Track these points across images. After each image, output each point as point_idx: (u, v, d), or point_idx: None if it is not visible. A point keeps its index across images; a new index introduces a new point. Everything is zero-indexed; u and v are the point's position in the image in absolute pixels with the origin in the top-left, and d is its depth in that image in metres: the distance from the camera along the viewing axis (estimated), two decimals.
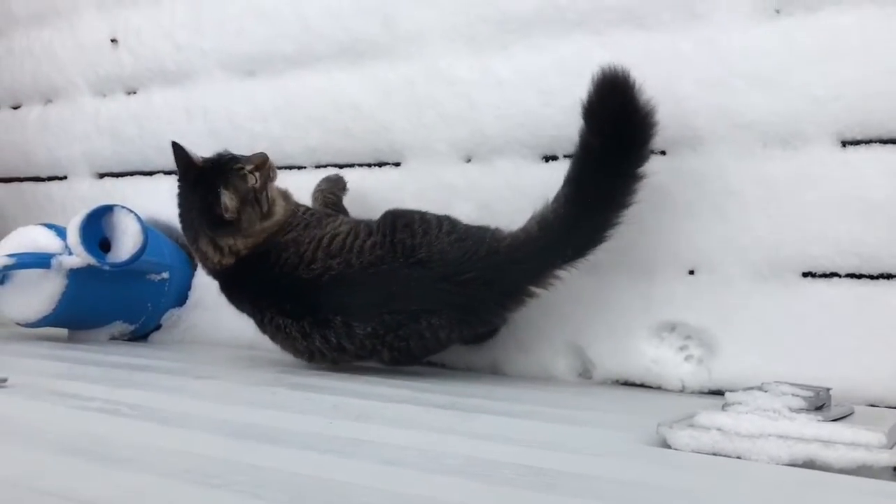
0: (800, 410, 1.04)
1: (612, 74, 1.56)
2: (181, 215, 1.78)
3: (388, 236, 1.64)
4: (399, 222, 1.67)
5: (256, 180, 1.70)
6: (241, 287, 1.73)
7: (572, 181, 1.60)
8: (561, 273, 1.62)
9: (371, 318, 1.60)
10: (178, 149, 1.75)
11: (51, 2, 2.69)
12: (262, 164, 1.72)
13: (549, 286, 1.64)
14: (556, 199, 1.60)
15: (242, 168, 1.70)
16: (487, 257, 1.59)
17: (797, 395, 1.06)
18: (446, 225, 1.67)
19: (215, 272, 1.75)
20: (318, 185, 1.98)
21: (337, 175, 2.02)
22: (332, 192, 1.97)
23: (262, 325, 1.69)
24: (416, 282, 1.59)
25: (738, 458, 0.98)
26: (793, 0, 1.61)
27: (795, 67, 1.59)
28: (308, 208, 1.83)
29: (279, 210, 1.74)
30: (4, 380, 1.31)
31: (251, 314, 1.71)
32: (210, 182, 1.69)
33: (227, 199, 1.65)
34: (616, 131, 1.56)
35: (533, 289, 1.63)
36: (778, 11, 1.62)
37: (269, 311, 1.66)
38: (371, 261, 1.61)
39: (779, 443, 0.97)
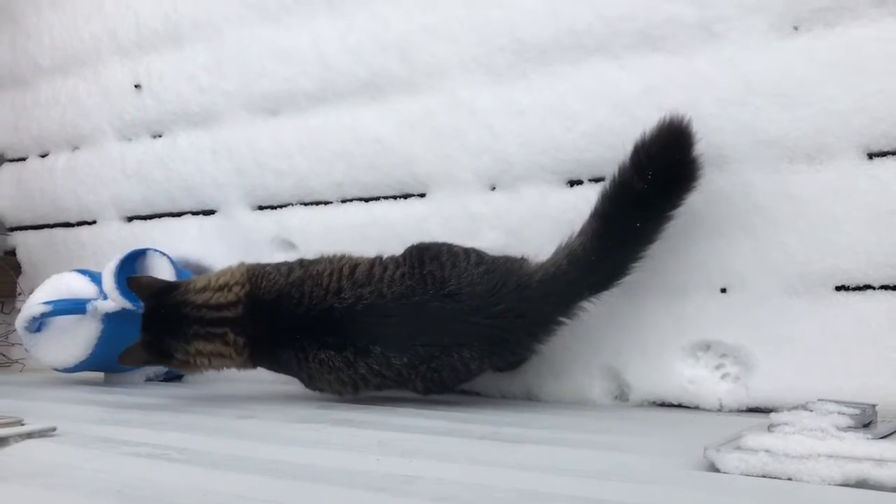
0: (847, 429, 1.04)
1: (676, 125, 1.58)
2: None
3: (416, 268, 1.66)
4: (427, 255, 1.69)
5: None
6: (272, 337, 1.71)
7: (603, 216, 1.62)
8: (587, 304, 1.65)
9: (406, 350, 1.62)
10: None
11: (74, 51, 2.75)
12: None
13: (576, 316, 1.67)
14: (583, 232, 1.63)
15: None
16: (518, 290, 1.61)
17: (843, 413, 1.07)
18: (474, 257, 1.68)
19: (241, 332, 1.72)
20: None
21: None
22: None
23: (307, 363, 1.68)
24: (447, 315, 1.61)
25: (789, 479, 0.98)
26: (811, 16, 1.62)
27: (817, 82, 1.61)
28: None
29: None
30: (53, 429, 1.33)
31: (291, 358, 1.70)
32: None
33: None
34: (665, 181, 1.59)
35: (562, 319, 1.66)
36: (796, 28, 1.64)
37: (311, 348, 1.67)
38: (402, 292, 1.63)
39: (829, 463, 0.97)
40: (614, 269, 1.63)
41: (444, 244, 1.73)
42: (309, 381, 1.73)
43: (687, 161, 1.59)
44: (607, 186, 1.62)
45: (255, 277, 1.74)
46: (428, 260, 1.67)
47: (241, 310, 1.71)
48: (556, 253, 1.66)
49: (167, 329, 1.73)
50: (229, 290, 1.73)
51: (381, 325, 1.63)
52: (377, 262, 1.72)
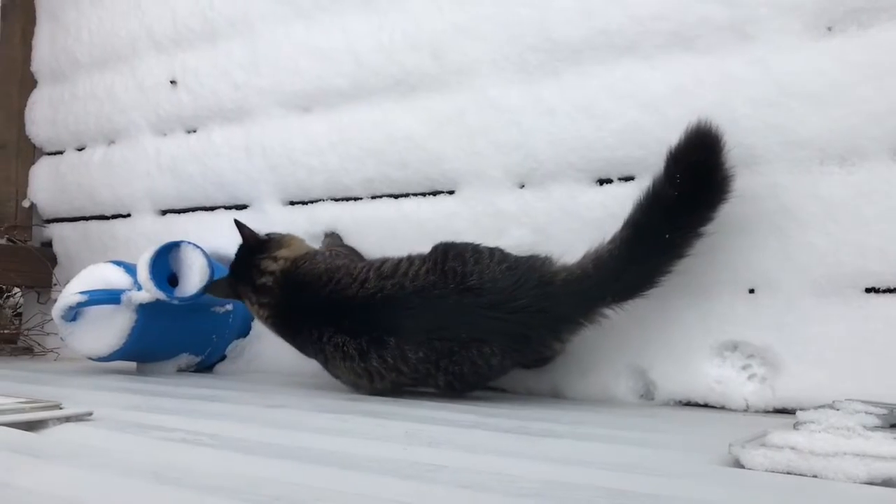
0: (874, 428, 1.04)
1: (705, 132, 1.58)
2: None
3: (439, 264, 1.69)
4: (451, 252, 1.71)
5: None
6: (294, 312, 1.82)
7: (635, 225, 1.62)
8: (609, 311, 1.66)
9: (422, 343, 1.65)
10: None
11: (112, 47, 2.81)
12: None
13: (597, 321, 1.67)
14: (614, 240, 1.64)
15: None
16: (539, 287, 1.63)
17: (870, 413, 1.07)
18: (498, 255, 1.70)
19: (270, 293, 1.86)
20: (325, 241, 2.18)
21: (333, 231, 2.21)
22: (338, 244, 2.13)
23: (321, 345, 1.74)
24: (466, 309, 1.63)
25: (814, 476, 0.99)
26: (845, 17, 1.62)
27: (850, 83, 1.60)
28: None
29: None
30: (90, 413, 1.37)
31: (307, 338, 1.78)
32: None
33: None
34: (695, 190, 1.58)
35: (583, 322, 1.66)
36: (830, 29, 1.63)
37: (328, 331, 1.72)
38: (423, 285, 1.66)
39: (855, 461, 0.98)
40: (640, 280, 1.63)
41: (469, 243, 1.75)
42: (326, 365, 1.79)
43: (715, 164, 1.58)
44: (640, 196, 1.62)
45: (300, 259, 1.87)
46: (451, 256, 1.69)
47: (272, 282, 1.85)
48: (585, 257, 1.67)
49: (242, 275, 1.92)
50: (277, 262, 1.88)
51: (399, 317, 1.66)
52: (406, 258, 1.75)
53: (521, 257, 1.71)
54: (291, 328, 1.85)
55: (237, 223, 1.98)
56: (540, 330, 1.64)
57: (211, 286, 2.04)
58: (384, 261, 1.77)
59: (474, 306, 1.62)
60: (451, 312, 1.64)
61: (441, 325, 1.64)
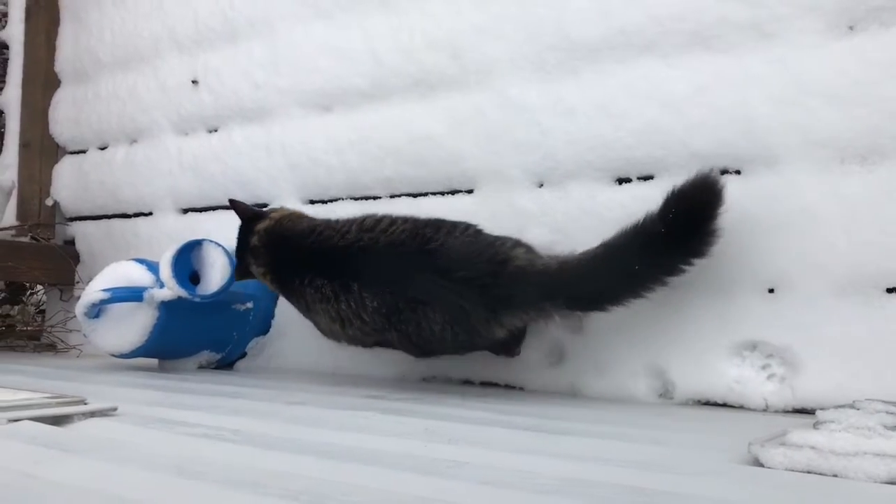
0: (895, 428, 1.04)
1: (713, 183, 1.57)
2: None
3: (419, 227, 1.77)
4: (434, 221, 1.79)
5: None
6: (281, 265, 1.92)
7: (611, 247, 1.63)
8: (557, 317, 1.67)
9: (377, 294, 1.74)
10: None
11: (134, 47, 2.84)
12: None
13: (542, 322, 1.70)
14: (588, 252, 1.66)
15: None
16: (489, 264, 1.66)
17: (891, 413, 1.06)
18: (472, 230, 1.76)
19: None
20: None
21: None
22: None
23: (303, 288, 1.84)
24: (419, 269, 1.70)
25: (834, 476, 0.99)
26: (867, 15, 1.61)
27: (871, 82, 1.59)
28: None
29: None
30: (114, 409, 1.39)
31: (294, 285, 1.87)
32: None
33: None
34: (682, 234, 1.58)
35: (527, 313, 1.67)
36: (851, 28, 1.63)
37: (309, 275, 1.83)
38: (393, 241, 1.76)
39: (876, 461, 0.97)
40: (595, 298, 1.64)
41: (462, 222, 1.80)
42: (307, 311, 1.88)
43: (710, 215, 1.57)
44: (628, 224, 1.62)
45: (284, 218, 1.98)
46: (432, 223, 1.77)
47: (258, 241, 1.95)
48: (555, 256, 1.69)
49: (244, 249, 2.00)
50: (264, 222, 1.98)
51: (365, 266, 1.77)
52: (393, 218, 1.83)
53: (494, 237, 1.75)
54: (283, 282, 1.94)
55: (231, 201, 2.08)
56: (477, 306, 1.66)
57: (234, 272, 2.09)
58: (370, 216, 1.85)
59: (426, 268, 1.69)
60: (405, 269, 1.71)
61: (395, 279, 1.72)
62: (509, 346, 1.85)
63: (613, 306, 1.64)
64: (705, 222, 1.57)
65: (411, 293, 1.70)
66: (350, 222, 1.86)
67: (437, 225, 1.77)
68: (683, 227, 1.57)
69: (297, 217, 2.00)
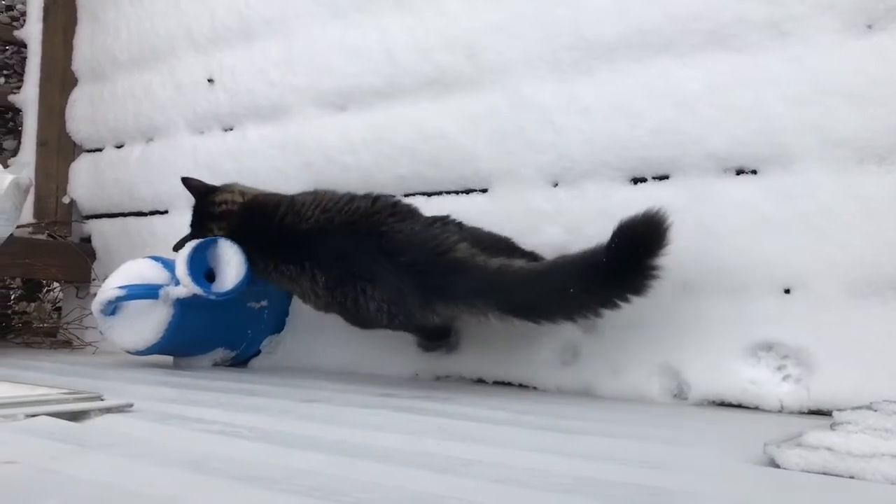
0: None
1: (659, 222, 1.57)
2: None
3: (375, 210, 1.85)
4: (393, 204, 1.88)
5: None
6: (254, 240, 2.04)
7: (555, 265, 1.68)
8: (491, 317, 1.70)
9: (326, 268, 1.86)
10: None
11: (150, 46, 2.85)
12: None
13: (476, 318, 1.74)
14: (534, 264, 1.71)
15: None
16: (431, 252, 1.72)
17: None
18: (428, 220, 1.82)
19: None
20: None
21: None
22: None
23: (270, 273, 2.00)
24: (364, 248, 1.79)
25: (851, 477, 0.98)
26: (886, 14, 1.60)
27: (890, 82, 1.58)
28: None
29: None
30: (130, 405, 1.40)
31: (264, 264, 2.02)
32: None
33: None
34: (623, 268, 1.59)
35: (457, 305, 1.72)
36: (870, 26, 1.62)
37: (274, 260, 1.98)
38: (347, 220, 1.86)
39: (893, 462, 0.97)
40: (527, 308, 1.67)
41: (424, 215, 1.88)
42: (280, 284, 2.07)
43: (651, 254, 1.57)
44: (581, 248, 1.66)
45: (256, 197, 2.11)
46: (389, 205, 1.86)
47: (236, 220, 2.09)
48: (501, 256, 1.72)
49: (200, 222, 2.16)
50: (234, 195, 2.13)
51: (317, 244, 1.88)
52: (353, 197, 1.92)
53: (454, 225, 1.81)
54: (255, 265, 2.05)
55: (184, 179, 2.22)
56: (414, 291, 1.73)
57: (177, 244, 2.18)
58: (330, 194, 1.96)
59: (373, 249, 1.78)
60: (355, 247, 1.81)
61: (343, 254, 1.83)
62: (444, 335, 1.98)
63: (546, 322, 1.69)
64: (646, 259, 1.58)
65: (356, 269, 1.80)
66: (313, 204, 1.94)
67: (394, 206, 1.87)
68: (624, 262, 1.58)
69: (261, 202, 2.09)
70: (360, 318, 1.89)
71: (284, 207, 1.99)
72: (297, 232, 1.92)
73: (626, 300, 1.61)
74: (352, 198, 1.92)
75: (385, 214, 1.83)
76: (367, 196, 1.93)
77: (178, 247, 2.15)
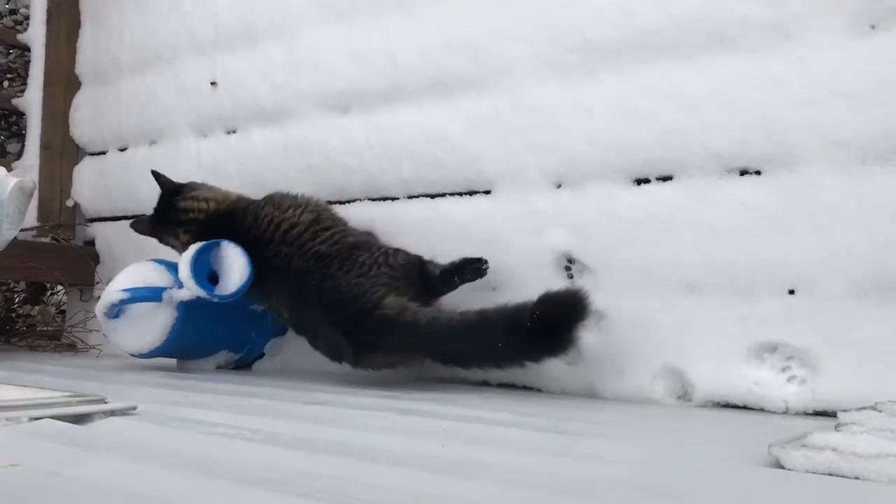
0: None
1: (580, 298, 1.70)
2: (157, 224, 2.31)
3: (327, 254, 1.97)
4: (345, 246, 2.00)
5: None
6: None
7: (484, 318, 1.76)
8: (421, 363, 1.91)
9: (286, 308, 2.02)
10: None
11: (154, 49, 2.86)
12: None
13: (415, 364, 1.95)
14: (464, 315, 1.79)
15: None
16: (356, 314, 1.84)
17: None
18: (365, 268, 1.90)
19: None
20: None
21: (369, 230, 2.26)
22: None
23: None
24: (310, 303, 1.93)
25: (856, 478, 0.98)
26: (889, 14, 1.59)
27: (893, 82, 1.58)
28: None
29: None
30: (134, 408, 1.40)
31: None
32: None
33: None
34: (542, 336, 1.71)
35: (391, 357, 1.89)
36: (873, 27, 1.61)
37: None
38: (302, 266, 1.97)
39: None
40: (459, 357, 1.82)
41: (372, 249, 1.98)
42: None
43: (569, 326, 1.69)
44: (505, 304, 1.76)
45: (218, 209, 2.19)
46: (342, 259, 1.94)
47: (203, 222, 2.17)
48: (427, 308, 1.83)
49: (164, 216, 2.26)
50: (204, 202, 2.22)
51: (279, 283, 2.01)
52: (311, 226, 2.03)
53: (377, 274, 1.89)
54: None
55: (154, 173, 2.30)
56: (347, 346, 1.88)
57: (134, 222, 2.36)
58: (293, 224, 2.04)
59: (315, 304, 1.91)
60: (304, 298, 1.94)
61: (297, 303, 1.98)
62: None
63: (476, 369, 1.85)
64: (565, 332, 1.70)
65: (305, 320, 1.98)
66: (273, 226, 2.05)
67: (349, 256, 1.95)
68: (544, 331, 1.70)
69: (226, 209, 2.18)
70: (326, 353, 2.01)
71: (249, 221, 2.10)
72: (261, 259, 2.03)
73: (546, 360, 1.75)
74: (314, 233, 2.02)
75: (334, 263, 1.94)
76: (326, 233, 2.03)
77: (135, 225, 2.34)
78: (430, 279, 1.93)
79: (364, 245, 2.01)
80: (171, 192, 2.26)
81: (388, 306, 1.82)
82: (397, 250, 1.99)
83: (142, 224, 2.34)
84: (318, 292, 1.91)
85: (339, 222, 2.12)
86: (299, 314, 1.99)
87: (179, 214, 2.20)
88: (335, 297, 1.88)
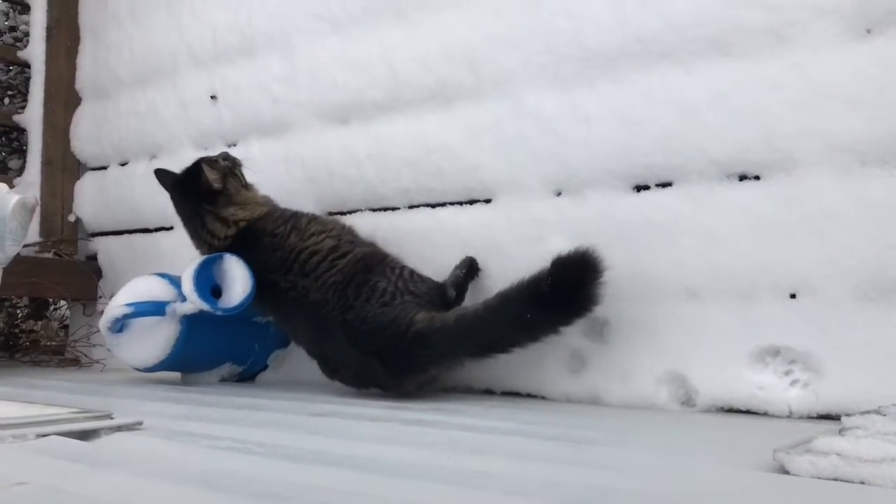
0: None
1: (593, 259, 1.71)
2: (186, 223, 2.23)
3: (347, 286, 1.92)
4: (364, 278, 1.94)
5: (227, 160, 2.18)
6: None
7: (505, 298, 1.77)
8: (463, 364, 1.85)
9: (305, 342, 2.04)
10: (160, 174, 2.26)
11: (153, 63, 2.87)
12: (227, 156, 2.19)
13: (453, 370, 1.92)
14: (486, 302, 1.80)
15: (210, 158, 2.18)
16: (391, 338, 1.82)
17: None
18: (387, 297, 1.88)
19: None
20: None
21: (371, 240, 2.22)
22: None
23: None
24: (333, 336, 1.90)
25: (861, 483, 0.98)
26: (885, 18, 1.60)
27: (891, 85, 1.59)
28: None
29: (257, 189, 2.21)
30: (140, 423, 1.40)
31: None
32: (191, 178, 2.16)
33: (208, 173, 2.10)
34: (558, 300, 1.71)
35: (430, 371, 1.85)
36: (869, 31, 1.62)
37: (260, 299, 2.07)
38: (319, 300, 1.93)
39: None
40: (491, 344, 1.79)
41: (388, 273, 1.95)
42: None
43: (585, 287, 1.70)
44: (521, 279, 1.76)
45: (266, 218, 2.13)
46: (357, 284, 1.92)
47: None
48: (451, 312, 1.83)
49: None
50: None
51: (296, 315, 2.01)
52: (330, 254, 1.99)
53: (406, 302, 1.87)
54: None
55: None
56: (381, 375, 1.86)
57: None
58: (313, 252, 2.00)
59: (340, 337, 1.88)
60: (325, 331, 1.92)
61: (317, 337, 1.97)
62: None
63: (516, 349, 1.79)
64: (582, 289, 1.71)
65: (329, 353, 1.95)
66: (293, 255, 2.01)
67: (361, 285, 1.92)
68: (564, 292, 1.71)
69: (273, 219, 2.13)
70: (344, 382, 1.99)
71: (271, 241, 2.07)
72: (277, 287, 2.01)
73: (575, 321, 1.75)
74: (331, 263, 1.98)
75: (352, 294, 1.91)
76: (343, 262, 1.98)
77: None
78: (449, 302, 1.94)
79: (378, 269, 1.97)
80: (205, 198, 2.15)
81: (419, 321, 1.82)
82: (412, 274, 1.97)
83: (164, 175, 2.28)
84: (342, 325, 1.89)
85: (358, 244, 2.08)
86: (320, 345, 1.98)
87: (206, 234, 2.16)
88: (362, 329, 1.86)
